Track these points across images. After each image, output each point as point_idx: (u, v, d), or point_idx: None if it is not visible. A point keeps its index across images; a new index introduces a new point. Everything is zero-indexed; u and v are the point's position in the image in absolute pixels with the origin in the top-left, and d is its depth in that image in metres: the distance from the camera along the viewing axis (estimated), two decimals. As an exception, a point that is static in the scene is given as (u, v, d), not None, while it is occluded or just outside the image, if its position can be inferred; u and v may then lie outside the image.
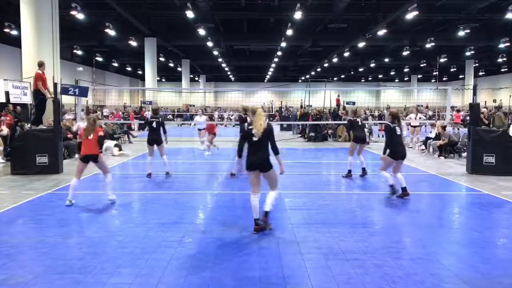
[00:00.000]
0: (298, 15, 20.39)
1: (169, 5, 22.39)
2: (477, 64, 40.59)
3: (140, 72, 45.96)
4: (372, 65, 41.45)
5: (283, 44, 28.89)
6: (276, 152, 5.44)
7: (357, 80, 55.86)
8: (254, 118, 5.41)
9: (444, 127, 13.52)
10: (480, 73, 45.47)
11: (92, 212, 6.60)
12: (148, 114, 30.11)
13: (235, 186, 8.65)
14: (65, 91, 10.82)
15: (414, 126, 16.27)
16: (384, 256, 4.67)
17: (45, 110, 11.58)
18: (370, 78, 56.74)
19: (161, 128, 9.62)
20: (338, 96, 33.27)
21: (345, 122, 9.65)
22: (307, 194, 7.91)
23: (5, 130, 12.16)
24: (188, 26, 25.22)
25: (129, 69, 46.11)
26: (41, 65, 11.15)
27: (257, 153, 5.35)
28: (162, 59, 34.22)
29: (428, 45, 27.71)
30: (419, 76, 52.76)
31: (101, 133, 7.10)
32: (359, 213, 6.66)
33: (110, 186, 7.16)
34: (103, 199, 7.52)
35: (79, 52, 32.48)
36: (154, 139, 9.49)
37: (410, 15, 19.57)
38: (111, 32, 23.20)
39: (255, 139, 5.33)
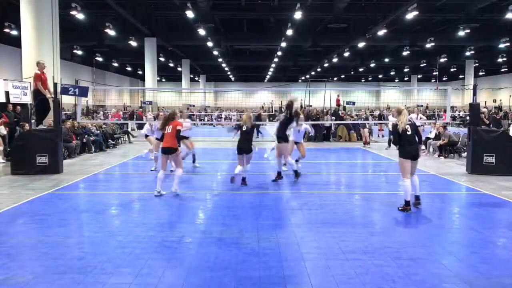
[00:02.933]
0: (298, 15, 20.39)
1: (169, 5, 22.40)
2: (477, 64, 40.56)
3: (140, 72, 45.95)
4: (372, 65, 41.41)
5: (283, 44, 28.87)
6: (421, 139, 7.09)
7: (357, 80, 55.84)
8: (400, 117, 6.63)
9: (444, 127, 13.52)
10: (480, 73, 45.44)
11: (92, 212, 6.59)
12: (149, 114, 30.14)
13: (234, 186, 8.64)
14: (65, 91, 10.81)
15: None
16: (384, 256, 4.67)
17: (49, 111, 11.55)
18: (370, 78, 56.72)
19: None
20: (338, 96, 33.25)
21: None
22: (307, 194, 7.91)
23: (3, 130, 12.05)
24: (188, 26, 25.22)
25: (129, 69, 46.12)
26: (37, 64, 11.10)
27: (413, 144, 6.62)
28: (162, 59, 34.22)
29: (428, 45, 27.71)
30: (419, 76, 52.73)
31: (179, 127, 7.46)
32: (359, 213, 6.66)
33: (178, 180, 7.61)
34: (103, 199, 7.52)
35: (79, 52, 32.46)
36: None
37: (410, 15, 19.58)
38: (111, 32, 23.21)
39: (409, 132, 6.59)
